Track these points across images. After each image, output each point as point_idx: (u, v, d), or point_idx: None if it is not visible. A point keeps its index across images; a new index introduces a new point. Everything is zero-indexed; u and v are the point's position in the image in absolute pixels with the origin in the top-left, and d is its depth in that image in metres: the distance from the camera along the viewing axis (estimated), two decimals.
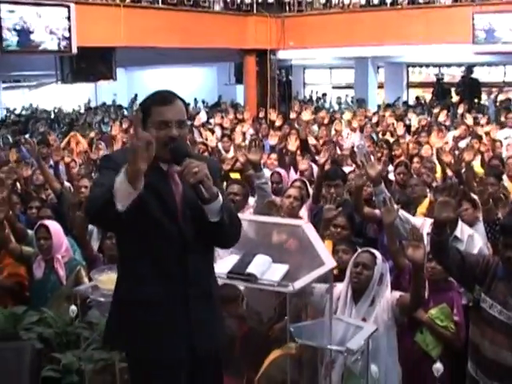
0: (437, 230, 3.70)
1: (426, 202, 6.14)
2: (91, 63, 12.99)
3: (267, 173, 7.01)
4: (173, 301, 2.92)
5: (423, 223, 4.82)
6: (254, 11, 16.27)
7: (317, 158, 8.15)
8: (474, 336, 3.78)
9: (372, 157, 5.19)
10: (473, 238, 5.00)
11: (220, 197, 2.84)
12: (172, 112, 2.92)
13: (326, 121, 12.11)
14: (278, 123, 11.34)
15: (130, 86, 24.20)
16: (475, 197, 5.40)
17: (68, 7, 11.17)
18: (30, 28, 11.00)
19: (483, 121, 11.65)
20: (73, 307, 4.37)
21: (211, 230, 2.89)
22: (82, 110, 21.36)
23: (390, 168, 7.70)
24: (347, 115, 12.39)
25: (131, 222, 2.71)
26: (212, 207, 2.83)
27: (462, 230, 5.04)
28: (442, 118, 11.83)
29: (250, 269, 3.21)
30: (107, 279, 3.76)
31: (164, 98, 2.97)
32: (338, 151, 9.29)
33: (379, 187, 5.04)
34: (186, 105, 3.08)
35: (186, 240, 2.93)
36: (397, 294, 4.17)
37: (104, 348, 4.24)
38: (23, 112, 21.27)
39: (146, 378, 2.99)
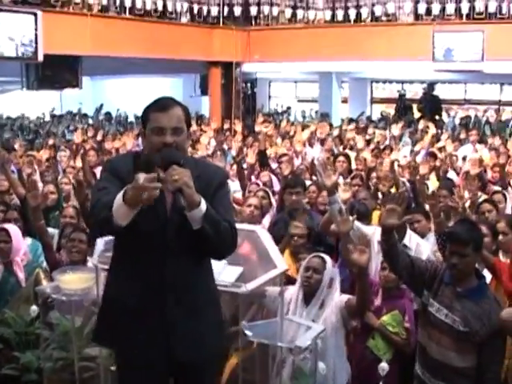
0: (384, 236, 3.85)
1: (375, 215, 6.29)
2: (57, 71, 12.91)
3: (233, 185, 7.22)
4: (151, 307, 2.95)
5: (374, 232, 4.99)
6: (221, 24, 16.37)
7: (275, 170, 8.36)
8: (421, 338, 3.93)
9: (328, 167, 5.33)
10: (420, 246, 5.20)
11: (202, 206, 2.83)
12: (167, 119, 2.94)
13: (291, 133, 12.32)
14: (239, 136, 11.50)
15: (96, 94, 24.10)
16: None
17: (35, 14, 11.13)
18: None
19: (444, 136, 11.94)
20: (34, 307, 4.44)
21: (197, 237, 2.88)
22: (47, 118, 21.23)
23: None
24: (311, 128, 12.59)
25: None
26: (192, 215, 2.83)
27: (411, 238, 5.24)
28: (395, 131, 12.07)
29: None
30: (69, 279, 3.83)
31: (161, 104, 3.00)
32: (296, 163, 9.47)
33: (334, 197, 5.16)
34: (187, 112, 3.08)
35: (169, 247, 2.95)
36: (345, 297, 4.32)
37: (62, 348, 4.35)
38: None
39: (126, 377, 3.09)
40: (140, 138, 10.51)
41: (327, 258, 4.40)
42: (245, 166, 8.36)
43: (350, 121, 16.23)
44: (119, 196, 2.71)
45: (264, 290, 3.99)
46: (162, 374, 3.05)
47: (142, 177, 2.66)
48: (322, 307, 4.26)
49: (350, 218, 4.81)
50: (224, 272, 3.42)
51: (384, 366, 3.57)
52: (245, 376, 3.55)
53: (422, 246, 5.24)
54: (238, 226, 3.55)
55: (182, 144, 2.99)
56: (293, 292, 4.33)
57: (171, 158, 2.85)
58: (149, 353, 2.96)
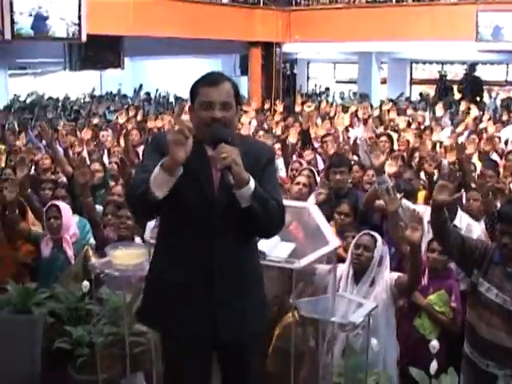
0: (435, 213, 3.85)
1: (421, 195, 6.26)
2: (99, 51, 13.04)
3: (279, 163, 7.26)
4: (196, 285, 2.95)
5: (424, 211, 4.97)
6: (261, 4, 16.36)
7: (319, 150, 8.36)
8: (471, 318, 3.93)
9: (377, 147, 5.33)
10: (471, 226, 5.17)
11: (251, 184, 2.81)
12: (216, 93, 2.91)
13: (331, 114, 12.28)
14: (277, 116, 11.49)
15: (135, 75, 24.21)
16: None
17: None
18: (43, 14, 10.91)
19: (485, 118, 11.79)
20: (85, 283, 4.48)
21: (245, 216, 2.87)
22: (87, 99, 21.41)
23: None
24: (352, 108, 12.53)
25: (167, 203, 2.81)
26: (241, 193, 2.81)
27: (461, 219, 5.21)
28: (439, 112, 11.94)
29: (260, 246, 3.26)
30: (121, 255, 3.85)
31: (211, 79, 2.97)
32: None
33: (382, 177, 5.16)
34: (237, 88, 3.04)
35: (216, 225, 2.93)
36: (395, 275, 4.35)
37: (113, 323, 4.42)
38: (28, 99, 21.32)
39: (171, 354, 3.12)
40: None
41: (377, 235, 4.41)
42: None
43: (389, 101, 16.11)
44: (158, 166, 2.73)
45: (314, 267, 4.01)
46: (206, 349, 3.07)
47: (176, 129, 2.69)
48: (373, 285, 4.29)
49: (398, 196, 4.82)
50: (277, 248, 3.43)
51: (435, 344, 3.57)
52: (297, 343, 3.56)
53: (474, 227, 5.21)
54: (289, 202, 3.57)
55: (231, 120, 2.97)
56: (343, 269, 4.36)
57: (220, 135, 2.84)
58: (194, 328, 2.98)
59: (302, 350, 3.48)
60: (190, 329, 2.98)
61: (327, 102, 16.60)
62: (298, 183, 6.05)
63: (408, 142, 8.84)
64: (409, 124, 11.04)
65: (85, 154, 8.10)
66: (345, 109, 13.45)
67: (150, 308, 3.13)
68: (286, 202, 3.08)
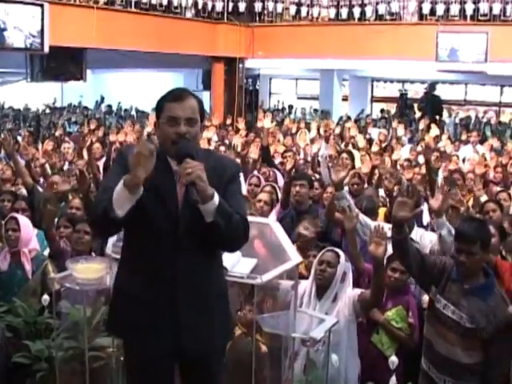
0: (396, 229, 3.88)
1: (381, 211, 6.33)
2: (61, 63, 12.94)
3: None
4: (161, 300, 2.95)
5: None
6: (225, 19, 16.42)
7: (279, 166, 8.41)
8: (428, 334, 3.97)
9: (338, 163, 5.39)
10: (423, 237, 5.25)
11: (215, 199, 2.83)
12: (182, 109, 2.93)
13: (293, 130, 12.36)
14: (242, 132, 11.53)
15: (96, 88, 24.08)
16: None
17: (42, 6, 11.13)
18: (0, 25, 10.88)
19: (444, 137, 11.99)
20: (45, 296, 4.44)
21: (209, 230, 2.88)
22: (48, 110, 21.23)
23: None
24: (313, 125, 12.63)
25: (131, 218, 2.80)
26: (205, 208, 2.82)
27: (420, 233, 5.31)
28: (400, 132, 12.11)
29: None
30: (82, 268, 3.83)
31: (176, 95, 3.00)
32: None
33: (341, 192, 5.22)
34: (202, 104, 3.07)
35: (179, 240, 2.94)
36: (358, 290, 4.38)
37: (73, 337, 4.38)
38: None
39: (133, 366, 3.12)
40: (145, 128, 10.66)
41: (340, 252, 4.46)
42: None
43: (348, 119, 16.29)
44: (121, 182, 2.74)
45: (277, 282, 4.04)
46: (169, 363, 3.07)
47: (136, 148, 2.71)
48: (335, 301, 4.32)
49: (355, 214, 4.88)
50: (238, 264, 3.45)
51: (394, 360, 3.61)
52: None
53: (425, 237, 5.29)
54: (252, 218, 3.59)
55: (196, 135, 2.99)
56: (305, 286, 4.40)
57: (185, 150, 2.86)
58: (157, 344, 2.98)
59: (249, 362, 3.47)
60: (153, 343, 2.98)
61: (289, 118, 16.70)
62: (260, 200, 6.09)
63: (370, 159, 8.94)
64: (369, 141, 11.16)
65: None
66: (307, 125, 13.54)
67: (115, 319, 3.13)
68: (250, 218, 3.09)
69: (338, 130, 12.37)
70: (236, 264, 3.46)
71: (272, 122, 10.97)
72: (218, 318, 3.08)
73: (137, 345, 3.05)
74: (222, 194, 2.89)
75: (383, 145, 10.87)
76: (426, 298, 4.57)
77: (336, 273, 4.35)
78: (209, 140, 10.58)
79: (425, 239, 5.26)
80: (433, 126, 12.17)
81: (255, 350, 3.54)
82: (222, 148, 9.71)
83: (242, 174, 7.63)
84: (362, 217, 5.21)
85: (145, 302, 2.97)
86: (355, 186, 7.06)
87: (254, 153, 8.35)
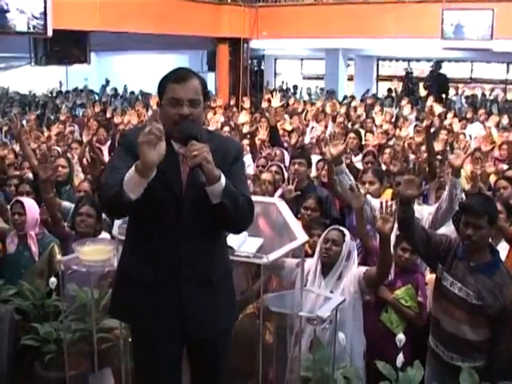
0: (402, 207, 3.89)
1: (388, 193, 6.32)
2: (65, 46, 12.87)
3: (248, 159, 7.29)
4: (165, 282, 2.96)
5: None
6: (229, 0, 16.35)
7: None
8: (435, 312, 4.01)
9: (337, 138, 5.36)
10: (421, 211, 5.26)
11: (222, 180, 2.81)
12: (184, 90, 2.90)
13: (299, 110, 12.33)
14: (246, 115, 11.48)
15: (101, 71, 24.06)
16: None
17: None
18: (3, 7, 10.73)
19: (450, 115, 11.94)
20: (53, 279, 4.46)
21: (215, 212, 2.87)
22: (53, 94, 21.23)
23: (359, 158, 7.92)
24: (319, 104, 12.60)
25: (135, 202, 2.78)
26: (212, 190, 2.81)
27: (417, 209, 5.30)
28: (406, 111, 12.06)
29: (228, 241, 3.27)
30: (89, 251, 3.82)
31: (179, 75, 2.95)
32: (306, 139, 9.53)
33: (340, 167, 5.19)
34: (205, 84, 3.04)
35: (184, 223, 2.94)
36: (363, 268, 4.40)
37: (81, 319, 4.40)
38: None
39: (140, 349, 3.13)
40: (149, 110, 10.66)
41: (346, 230, 4.46)
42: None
43: (352, 98, 16.24)
44: (132, 168, 2.71)
45: (282, 261, 4.04)
46: (176, 345, 3.08)
47: (146, 130, 2.68)
48: (340, 279, 4.33)
49: (362, 192, 4.87)
50: (245, 243, 3.46)
51: (401, 338, 3.61)
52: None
53: (424, 211, 5.29)
54: (257, 198, 3.59)
55: (199, 116, 2.97)
56: (311, 264, 4.40)
57: (189, 132, 2.84)
58: (164, 324, 2.99)
59: (257, 342, 3.49)
60: (159, 325, 2.99)
61: (295, 98, 16.65)
62: (264, 181, 6.07)
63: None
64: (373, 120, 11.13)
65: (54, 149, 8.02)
66: (313, 105, 13.50)
67: (120, 303, 3.14)
68: (253, 198, 3.09)
69: (343, 110, 12.34)
70: (242, 244, 3.47)
71: (280, 101, 10.93)
72: (222, 298, 3.09)
73: (142, 328, 3.06)
74: (226, 175, 2.88)
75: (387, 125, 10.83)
76: (431, 276, 4.58)
77: (341, 251, 4.35)
78: (217, 122, 10.57)
79: (423, 213, 5.25)
80: (435, 104, 12.11)
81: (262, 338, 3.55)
82: (227, 128, 9.68)
83: (249, 154, 7.73)
84: (368, 197, 5.20)
85: (149, 284, 2.98)
86: (369, 165, 7.06)
87: (262, 133, 8.33)
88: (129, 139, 2.96)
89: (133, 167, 2.71)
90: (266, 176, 6.11)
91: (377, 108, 13.19)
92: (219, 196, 2.82)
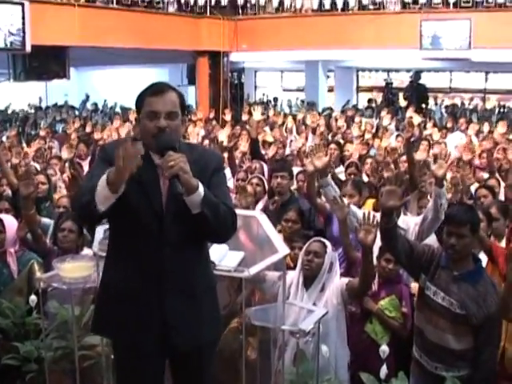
0: (385, 218, 3.89)
1: (369, 203, 6.32)
2: (44, 62, 12.88)
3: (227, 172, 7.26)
4: (148, 295, 2.94)
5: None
6: (208, 13, 16.38)
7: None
8: (418, 322, 4.00)
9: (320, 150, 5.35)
10: (407, 222, 5.27)
11: (200, 190, 2.81)
12: (162, 103, 2.91)
13: (279, 122, 12.34)
14: (228, 125, 11.47)
15: (81, 86, 23.98)
16: None
17: (22, 5, 11.04)
18: None
19: (429, 125, 12.01)
20: (33, 297, 4.41)
21: (196, 222, 2.87)
22: (32, 110, 21.12)
23: (340, 169, 7.93)
24: (299, 116, 12.62)
25: (114, 214, 2.79)
26: (191, 200, 2.81)
27: (404, 219, 5.32)
28: (386, 121, 12.13)
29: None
30: (69, 268, 3.80)
31: (156, 89, 2.97)
32: (287, 151, 9.53)
33: (325, 179, 5.19)
34: (182, 97, 3.05)
35: (165, 235, 2.93)
36: (345, 279, 4.39)
37: (62, 337, 4.36)
38: None
39: (123, 364, 3.10)
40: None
41: (327, 242, 4.46)
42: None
43: (331, 109, 16.30)
44: (103, 177, 2.71)
45: (264, 274, 4.02)
46: (159, 358, 3.07)
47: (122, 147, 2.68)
48: (323, 290, 4.32)
49: (345, 203, 4.87)
50: (226, 257, 3.43)
51: (385, 349, 3.61)
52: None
53: (410, 222, 5.31)
54: (239, 211, 3.57)
55: (177, 129, 2.97)
56: (293, 276, 4.39)
57: (166, 143, 2.84)
58: (146, 339, 2.97)
59: (240, 357, 3.46)
60: (142, 338, 2.97)
61: (275, 110, 16.68)
62: None
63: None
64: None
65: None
66: (293, 117, 13.52)
67: (102, 318, 3.11)
68: (236, 211, 3.07)
69: (322, 122, 12.36)
70: (223, 258, 3.45)
71: (262, 114, 10.93)
72: (206, 311, 3.07)
73: (125, 342, 3.04)
74: (207, 187, 2.88)
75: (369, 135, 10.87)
76: (414, 285, 4.58)
77: (323, 263, 4.35)
78: (198, 135, 10.56)
79: (409, 223, 5.26)
80: (414, 114, 12.15)
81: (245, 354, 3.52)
82: (206, 141, 9.67)
83: (228, 168, 7.72)
84: (352, 207, 5.20)
85: (131, 298, 2.96)
86: (352, 176, 7.07)
87: (243, 146, 8.33)
88: (107, 152, 2.96)
89: (104, 178, 2.71)
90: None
91: (356, 119, 13.24)
92: (198, 206, 2.81)
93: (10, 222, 5.33)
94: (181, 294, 2.97)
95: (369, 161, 7.85)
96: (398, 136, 10.24)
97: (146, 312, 2.95)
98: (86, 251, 5.13)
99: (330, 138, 10.76)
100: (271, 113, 14.29)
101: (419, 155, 7.17)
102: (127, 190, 2.77)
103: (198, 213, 2.83)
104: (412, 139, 8.01)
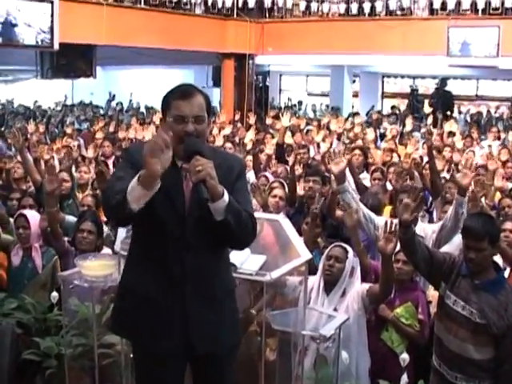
0: (401, 229, 3.87)
1: (387, 210, 6.29)
2: (71, 60, 12.98)
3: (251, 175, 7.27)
4: (169, 299, 2.93)
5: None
6: (235, 15, 16.41)
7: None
8: (438, 331, 3.95)
9: (338, 156, 5.32)
10: (425, 229, 5.25)
11: (225, 197, 2.79)
12: (189, 107, 2.89)
13: (302, 127, 12.32)
14: (253, 129, 11.46)
15: (107, 85, 24.09)
16: None
17: (52, 2, 11.13)
18: (12, 21, 10.87)
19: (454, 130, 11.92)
20: (54, 293, 4.46)
21: (218, 229, 2.85)
22: (59, 108, 21.28)
23: (364, 175, 7.90)
24: (325, 120, 12.60)
25: (139, 216, 2.76)
26: (215, 206, 2.78)
27: (422, 227, 5.29)
28: (408, 127, 12.07)
29: (231, 259, 3.24)
30: (91, 265, 3.82)
31: (183, 92, 2.94)
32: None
33: (343, 185, 5.15)
34: (209, 100, 3.03)
35: (187, 239, 2.92)
36: (366, 285, 4.38)
37: (82, 334, 4.38)
38: None
39: (143, 367, 3.07)
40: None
41: (348, 247, 4.45)
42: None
43: (355, 114, 16.22)
44: (135, 179, 2.69)
45: (285, 279, 4.02)
46: (179, 361, 3.05)
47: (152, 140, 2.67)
48: (344, 295, 4.32)
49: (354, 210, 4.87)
50: (247, 261, 3.43)
51: (405, 357, 3.60)
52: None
53: (428, 229, 5.28)
54: (261, 215, 3.57)
55: (203, 133, 2.95)
56: (313, 281, 4.38)
57: (194, 147, 2.82)
58: (166, 344, 2.95)
59: (258, 360, 3.46)
60: (163, 342, 2.96)
61: (299, 115, 16.66)
62: (275, 196, 6.04)
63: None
64: (382, 137, 11.12)
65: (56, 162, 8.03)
66: (318, 122, 13.49)
67: (122, 320, 3.10)
68: (257, 214, 3.07)
69: (348, 126, 12.31)
70: (245, 261, 3.44)
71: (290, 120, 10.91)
72: (227, 315, 3.06)
73: (146, 346, 3.02)
74: (230, 191, 2.86)
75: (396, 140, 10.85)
76: (433, 293, 4.55)
77: (344, 268, 4.35)
78: (225, 137, 10.56)
79: (426, 230, 5.23)
80: (450, 123, 12.09)
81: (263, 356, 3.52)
82: (228, 145, 9.65)
83: (250, 172, 7.73)
84: (367, 212, 5.18)
85: (153, 301, 2.95)
86: (377, 181, 7.03)
87: (269, 149, 8.34)
88: (131, 153, 2.96)
89: (135, 178, 2.69)
90: (277, 192, 6.09)
91: (384, 124, 13.19)
92: (223, 213, 2.79)
93: (34, 218, 5.40)
94: (202, 298, 2.96)
95: (391, 169, 7.81)
96: (424, 143, 10.18)
97: (166, 316, 2.95)
98: (105, 250, 5.17)
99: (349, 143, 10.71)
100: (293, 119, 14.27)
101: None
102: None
103: (221, 220, 2.81)
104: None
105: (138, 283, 3.00)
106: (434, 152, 7.85)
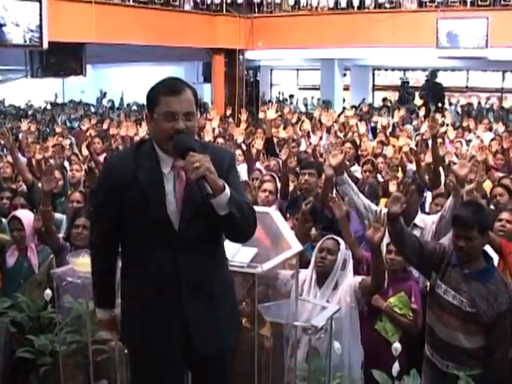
0: (389, 222, 3.88)
1: (382, 202, 6.27)
2: (61, 58, 12.99)
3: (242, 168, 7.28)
4: (166, 301, 2.88)
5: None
6: (224, 11, 16.41)
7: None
8: (429, 320, 3.97)
9: (336, 148, 5.34)
10: (425, 220, 5.28)
11: (227, 190, 2.71)
12: (179, 103, 2.79)
13: (293, 120, 12.32)
14: (243, 124, 11.46)
15: (97, 83, 24.09)
16: None
17: (40, 1, 11.13)
18: (0, 21, 10.90)
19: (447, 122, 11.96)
20: (48, 291, 4.45)
21: (222, 224, 2.78)
22: (49, 106, 21.25)
23: (355, 167, 7.93)
24: (316, 113, 12.60)
25: (126, 223, 2.77)
26: (218, 201, 2.70)
27: (422, 218, 5.31)
28: (396, 119, 12.09)
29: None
30: (84, 262, 3.79)
31: (173, 87, 2.84)
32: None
33: (341, 177, 5.17)
34: (196, 94, 2.92)
35: (181, 241, 2.85)
36: (359, 277, 4.38)
37: (76, 331, 4.39)
38: None
39: (143, 368, 3.01)
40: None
41: (340, 240, 4.46)
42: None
43: (352, 107, 16.22)
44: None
45: (276, 272, 4.02)
46: (178, 365, 3.01)
47: None
48: (336, 288, 4.31)
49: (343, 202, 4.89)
50: (239, 253, 3.43)
51: (397, 347, 3.61)
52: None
53: (427, 220, 5.31)
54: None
55: (193, 129, 2.86)
56: (306, 274, 4.38)
57: (186, 144, 2.74)
58: (166, 348, 2.92)
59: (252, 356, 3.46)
60: (161, 344, 2.92)
61: (290, 109, 16.64)
62: (265, 190, 6.04)
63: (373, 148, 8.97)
64: (373, 130, 11.13)
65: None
66: (309, 115, 13.48)
67: (127, 330, 3.06)
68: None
69: (341, 120, 12.32)
70: (236, 253, 3.43)
71: (276, 112, 10.91)
72: (225, 313, 3.00)
73: (145, 348, 2.98)
74: None
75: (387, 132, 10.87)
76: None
77: (336, 260, 4.34)
78: (213, 130, 10.56)
79: (426, 221, 5.25)
80: (437, 114, 12.11)
81: (258, 346, 3.51)
82: (220, 140, 9.66)
83: (242, 165, 7.74)
84: (368, 202, 5.19)
85: (149, 303, 2.91)
86: (367, 173, 7.05)
87: (258, 144, 8.34)
88: (114, 166, 2.99)
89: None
90: (266, 186, 6.08)
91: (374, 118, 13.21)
92: (226, 206, 2.72)
93: (28, 219, 5.39)
94: (199, 297, 2.90)
95: (380, 159, 7.86)
96: (417, 135, 10.21)
97: (163, 317, 2.90)
98: None
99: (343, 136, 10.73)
100: (286, 110, 14.28)
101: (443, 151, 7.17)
102: (131, 199, 2.78)
103: (225, 214, 2.73)
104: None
105: (133, 287, 2.97)
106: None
